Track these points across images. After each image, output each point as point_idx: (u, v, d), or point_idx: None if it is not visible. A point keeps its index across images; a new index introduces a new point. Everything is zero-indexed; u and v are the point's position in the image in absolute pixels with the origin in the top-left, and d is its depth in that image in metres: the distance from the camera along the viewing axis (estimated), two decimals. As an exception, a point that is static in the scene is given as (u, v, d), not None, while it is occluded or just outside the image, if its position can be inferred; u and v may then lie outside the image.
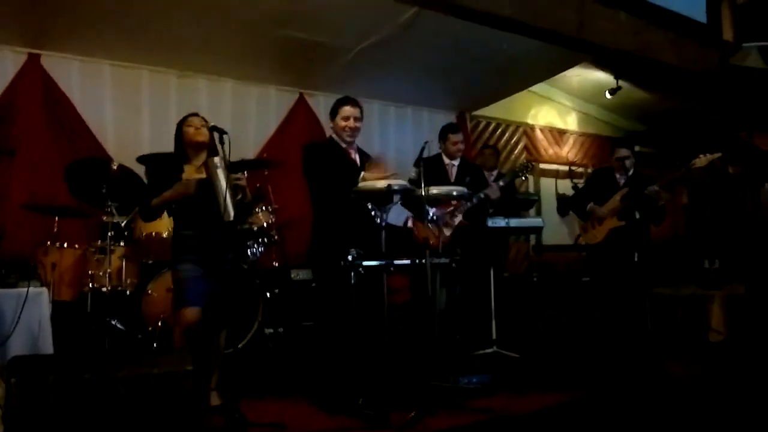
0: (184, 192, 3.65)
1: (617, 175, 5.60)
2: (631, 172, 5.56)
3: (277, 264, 5.42)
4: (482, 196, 5.11)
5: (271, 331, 5.06)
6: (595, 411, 3.89)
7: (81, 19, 5.05)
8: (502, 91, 7.55)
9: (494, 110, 8.10)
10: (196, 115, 3.88)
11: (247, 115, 6.48)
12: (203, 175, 3.67)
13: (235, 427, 3.27)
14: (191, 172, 3.78)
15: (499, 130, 8.42)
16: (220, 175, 3.53)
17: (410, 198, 4.14)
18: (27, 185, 5.22)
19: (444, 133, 5.46)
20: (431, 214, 4.31)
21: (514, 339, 5.44)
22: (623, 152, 5.60)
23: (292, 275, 5.40)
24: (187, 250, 3.73)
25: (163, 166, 3.87)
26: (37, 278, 3.48)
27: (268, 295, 5.04)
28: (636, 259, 5.21)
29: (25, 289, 3.21)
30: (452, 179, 5.32)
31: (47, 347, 3.38)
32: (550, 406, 3.93)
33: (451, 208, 5.03)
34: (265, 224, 5.19)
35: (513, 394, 3.95)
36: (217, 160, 3.55)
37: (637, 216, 5.32)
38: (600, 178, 5.83)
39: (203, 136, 3.76)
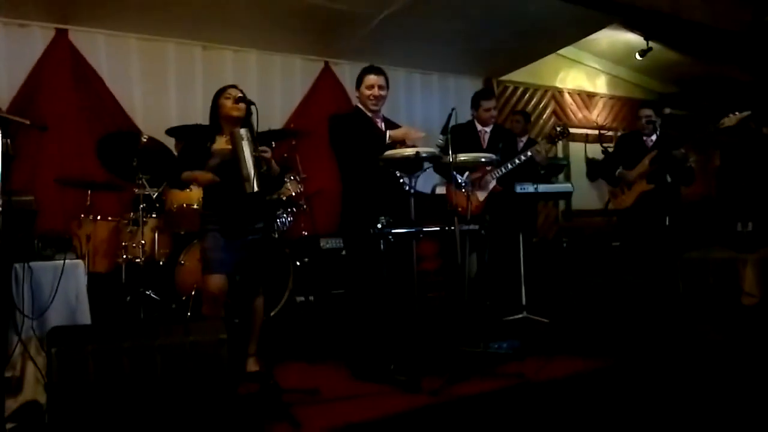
0: (211, 181, 3.76)
1: (645, 138, 5.53)
2: (657, 135, 5.49)
3: (306, 233, 5.46)
4: (523, 158, 5.06)
5: (302, 299, 5.11)
6: (626, 377, 3.89)
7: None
8: (530, 55, 7.43)
9: (522, 75, 7.98)
10: (234, 87, 3.89)
11: (273, 85, 6.47)
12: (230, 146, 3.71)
13: (269, 393, 3.33)
14: (222, 143, 3.81)
15: (527, 95, 8.32)
16: (245, 146, 3.54)
17: (440, 165, 4.14)
18: (58, 160, 5.29)
19: (476, 100, 5.42)
20: (462, 180, 4.30)
21: (543, 304, 5.44)
22: (647, 112, 5.54)
23: (322, 244, 5.43)
24: (213, 219, 3.83)
25: (194, 138, 3.91)
26: (72, 251, 3.54)
27: (298, 263, 5.08)
28: (667, 223, 5.16)
29: (62, 262, 3.27)
30: (484, 146, 5.28)
31: (85, 318, 3.44)
32: (581, 372, 3.94)
33: (484, 173, 4.99)
34: (293, 194, 5.21)
35: (543, 359, 3.95)
36: (243, 131, 3.57)
37: (669, 179, 5.25)
38: (628, 142, 5.76)
39: (240, 111, 3.77)
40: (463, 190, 4.36)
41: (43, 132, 5.06)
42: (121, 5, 5.32)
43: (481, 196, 4.99)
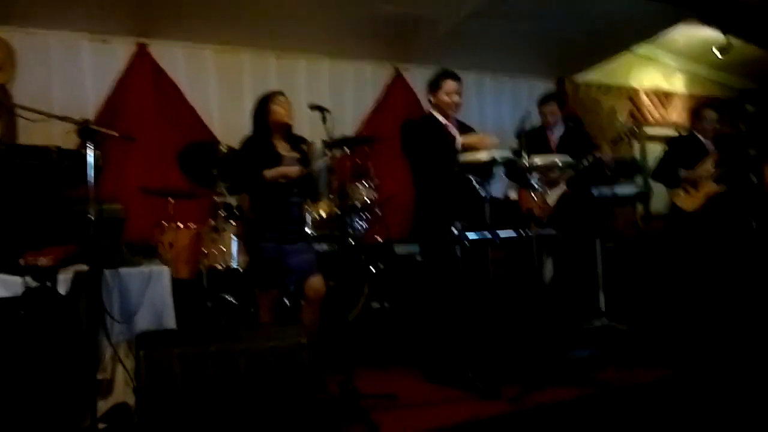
0: (298, 173, 3.79)
1: (702, 139, 5.36)
2: (716, 136, 5.33)
3: (380, 239, 5.48)
4: (590, 160, 4.95)
5: (378, 305, 5.13)
6: (710, 386, 3.75)
7: (185, 7, 5.26)
8: (603, 54, 7.26)
9: (595, 74, 7.80)
10: (282, 93, 3.94)
11: (345, 92, 6.54)
12: (296, 154, 3.76)
13: (348, 397, 3.36)
14: (286, 149, 3.87)
15: (601, 95, 8.12)
16: (320, 159, 3.61)
17: (514, 169, 4.09)
18: (141, 169, 5.48)
19: (538, 106, 5.34)
20: (535, 183, 4.24)
21: (624, 310, 5.30)
22: (712, 114, 5.35)
23: (396, 250, 5.44)
24: (269, 228, 3.88)
25: (255, 142, 3.98)
26: (158, 257, 3.67)
27: (373, 270, 5.10)
28: (754, 227, 4.96)
29: (149, 268, 3.40)
30: (554, 148, 5.19)
31: (170, 323, 3.55)
32: (662, 380, 3.83)
33: (555, 176, 4.90)
34: (367, 200, 5.24)
35: (623, 367, 3.86)
36: (320, 147, 3.64)
37: (755, 180, 5.06)
38: (683, 143, 5.59)
39: (291, 118, 3.83)
40: (534, 193, 4.29)
41: (128, 143, 5.28)
42: (198, 17, 5.48)
43: (552, 198, 4.89)
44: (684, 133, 6.02)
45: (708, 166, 5.23)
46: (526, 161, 3.90)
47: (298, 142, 4.04)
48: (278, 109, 3.86)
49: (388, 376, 4.22)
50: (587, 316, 5.22)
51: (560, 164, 4.26)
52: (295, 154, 3.88)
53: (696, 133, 5.47)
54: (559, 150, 5.13)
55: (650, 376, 3.88)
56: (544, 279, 4.39)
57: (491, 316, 3.81)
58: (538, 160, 4.01)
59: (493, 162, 3.71)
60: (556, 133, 5.26)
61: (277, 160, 3.84)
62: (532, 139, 4.72)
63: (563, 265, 4.95)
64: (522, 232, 3.94)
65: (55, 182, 3.02)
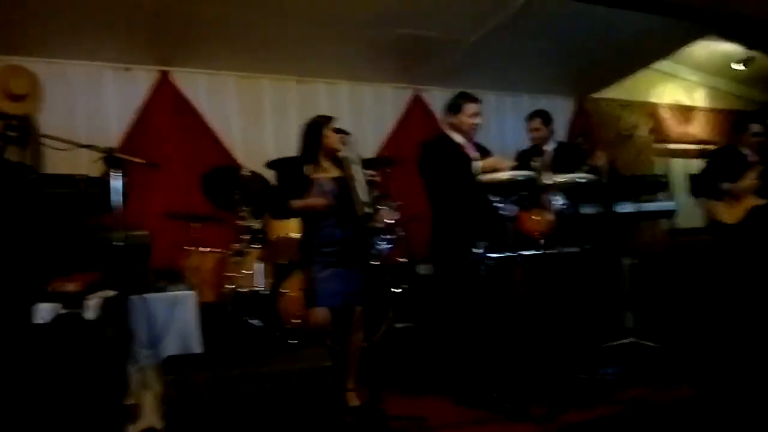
0: (327, 205, 3.80)
1: (745, 152, 5.30)
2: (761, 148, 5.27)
3: (403, 260, 5.47)
4: (585, 170, 4.84)
5: (402, 325, 5.11)
6: (742, 407, 3.67)
7: (206, 35, 5.34)
8: (623, 71, 7.24)
9: (615, 91, 7.78)
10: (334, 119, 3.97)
11: (364, 115, 6.59)
12: (336, 174, 3.77)
13: (376, 419, 3.34)
14: (320, 172, 3.88)
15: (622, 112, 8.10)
16: (357, 170, 3.62)
17: (535, 188, 4.07)
18: (165, 195, 5.53)
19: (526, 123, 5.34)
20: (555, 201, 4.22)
21: (651, 328, 5.22)
22: (757, 128, 5.30)
23: (419, 270, 5.43)
24: (319, 249, 3.85)
25: (295, 169, 3.98)
26: (184, 282, 3.69)
27: (396, 290, 5.09)
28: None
29: (175, 293, 3.42)
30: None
31: (196, 347, 3.58)
32: (693, 399, 3.76)
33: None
34: (389, 221, 5.25)
35: (652, 386, 3.80)
36: (354, 155, 3.65)
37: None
38: (724, 156, 5.53)
39: (341, 145, 3.87)
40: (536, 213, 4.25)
41: (151, 169, 5.34)
42: (219, 46, 5.57)
43: (550, 216, 4.81)
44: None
45: (751, 179, 5.18)
46: (547, 180, 3.88)
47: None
48: (332, 136, 3.87)
49: (415, 397, 4.18)
50: (614, 334, 5.15)
51: (580, 181, 4.23)
52: (335, 172, 3.88)
53: (737, 146, 5.42)
54: (553, 166, 5.08)
55: (679, 394, 3.82)
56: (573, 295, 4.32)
57: (517, 336, 3.77)
58: (560, 178, 3.99)
59: (513, 181, 3.69)
60: (548, 150, 5.23)
61: (307, 185, 3.85)
62: (526, 158, 4.72)
63: (588, 283, 4.90)
64: (545, 251, 3.91)
65: (82, 210, 3.06)
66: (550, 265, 3.96)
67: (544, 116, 5.26)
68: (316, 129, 3.91)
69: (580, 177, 4.22)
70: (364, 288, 3.93)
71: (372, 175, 3.75)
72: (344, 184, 3.68)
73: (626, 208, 5.32)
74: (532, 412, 3.49)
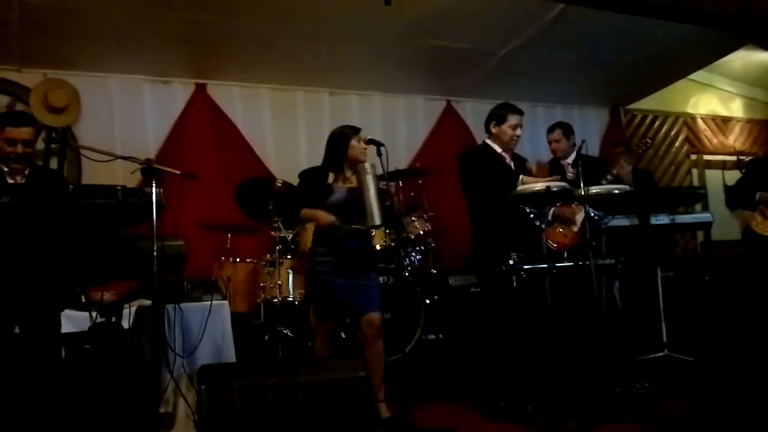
0: (333, 224, 3.74)
1: None
2: None
3: (435, 271, 5.47)
4: (609, 179, 4.72)
5: (433, 337, 5.10)
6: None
7: (241, 49, 5.44)
8: (658, 82, 7.17)
9: (650, 102, 7.71)
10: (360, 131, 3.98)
11: (397, 126, 6.62)
12: (352, 184, 3.79)
13: (406, 430, 3.33)
14: (340, 181, 3.89)
15: (657, 123, 8.01)
16: (370, 180, 3.62)
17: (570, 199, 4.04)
18: (200, 205, 5.61)
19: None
20: (594, 214, 4.18)
21: (686, 342, 5.14)
22: None
23: (450, 281, 5.41)
24: (326, 261, 3.81)
25: (312, 176, 3.99)
26: (218, 292, 3.74)
27: (427, 301, 5.09)
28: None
29: (209, 303, 3.47)
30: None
31: (230, 356, 3.62)
32: (729, 413, 3.69)
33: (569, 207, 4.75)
34: (421, 232, 5.26)
35: (688, 399, 3.73)
36: (367, 166, 3.66)
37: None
38: (761, 167, 5.44)
39: (366, 155, 3.88)
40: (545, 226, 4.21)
41: (187, 180, 5.43)
42: (254, 60, 5.66)
43: (575, 228, 4.74)
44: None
45: None
46: (582, 191, 3.85)
47: None
48: (358, 146, 3.88)
49: (446, 409, 4.15)
50: (648, 347, 5.08)
51: (617, 193, 4.18)
52: (354, 184, 3.89)
53: None
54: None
55: (714, 409, 3.74)
56: (606, 307, 4.26)
57: (550, 348, 3.74)
58: (596, 189, 3.96)
59: (548, 192, 3.67)
60: (569, 162, 5.15)
61: (327, 193, 3.85)
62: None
63: (623, 296, 4.85)
64: (580, 262, 3.87)
65: (119, 220, 3.11)
66: (584, 277, 3.91)
67: (564, 128, 5.19)
68: (342, 139, 3.91)
69: (616, 188, 4.16)
70: (377, 293, 3.87)
71: (386, 185, 3.73)
72: (357, 195, 3.67)
73: (661, 219, 5.25)
74: (566, 426, 3.45)
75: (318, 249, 3.85)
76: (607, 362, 4.06)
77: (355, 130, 3.94)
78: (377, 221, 3.59)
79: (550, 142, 5.18)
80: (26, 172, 3.50)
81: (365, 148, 3.87)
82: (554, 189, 3.69)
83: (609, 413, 3.58)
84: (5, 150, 3.40)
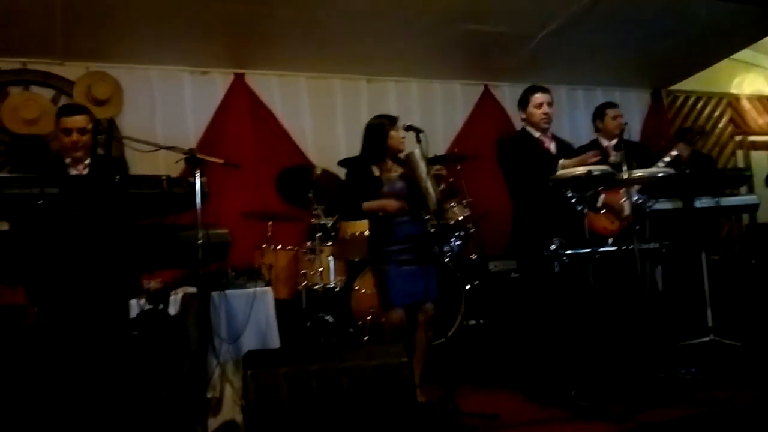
0: (398, 209, 3.77)
1: None
2: None
3: (475, 256, 5.46)
4: (667, 161, 4.66)
5: (473, 322, 5.10)
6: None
7: (279, 38, 5.48)
8: (702, 62, 7.00)
9: (693, 83, 7.53)
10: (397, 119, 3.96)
11: (435, 112, 6.59)
12: (401, 172, 3.79)
13: (450, 416, 3.35)
14: (385, 171, 3.90)
15: (700, 104, 7.84)
16: (422, 166, 3.64)
17: (612, 182, 3.99)
18: (241, 194, 5.66)
19: (602, 110, 5.05)
20: (637, 198, 4.13)
21: (732, 326, 5.05)
22: None
23: (490, 267, 5.40)
24: (393, 250, 3.83)
25: (359, 168, 4.01)
26: (261, 279, 3.79)
27: (468, 287, 5.08)
28: None
29: (253, 290, 3.52)
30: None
31: (274, 342, 3.67)
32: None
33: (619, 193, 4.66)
34: (461, 218, 5.25)
35: (734, 385, 3.68)
36: (417, 152, 3.67)
37: None
38: None
39: (404, 145, 3.88)
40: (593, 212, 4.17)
41: (227, 169, 5.49)
42: (292, 48, 5.69)
43: (623, 214, 4.65)
44: None
45: None
46: (625, 174, 3.80)
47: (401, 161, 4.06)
48: (396, 136, 3.89)
49: (487, 394, 4.16)
50: (693, 332, 5.01)
51: (661, 177, 4.11)
52: (399, 170, 3.90)
53: None
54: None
55: (760, 395, 3.68)
56: (650, 292, 4.21)
57: (593, 333, 3.71)
58: (639, 173, 3.90)
59: (589, 176, 3.63)
60: (612, 144, 5.03)
61: (378, 185, 3.86)
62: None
63: (668, 280, 4.79)
64: (623, 246, 3.83)
65: (165, 209, 3.17)
66: (627, 262, 3.86)
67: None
68: (380, 130, 3.92)
69: (659, 172, 4.09)
70: (435, 284, 3.90)
71: (438, 170, 3.74)
72: (411, 181, 3.69)
73: (706, 202, 5.16)
74: (609, 411, 3.43)
75: (384, 238, 3.88)
76: (650, 347, 4.02)
77: (392, 120, 3.94)
78: (437, 205, 3.66)
79: (612, 118, 4.94)
80: (87, 162, 3.58)
81: (403, 137, 3.88)
82: (596, 173, 3.64)
83: (652, 399, 3.55)
84: (63, 141, 3.50)
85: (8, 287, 3.52)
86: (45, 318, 3.22)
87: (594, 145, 4.92)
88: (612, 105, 5.10)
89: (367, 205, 3.87)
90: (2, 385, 3.13)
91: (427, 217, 3.93)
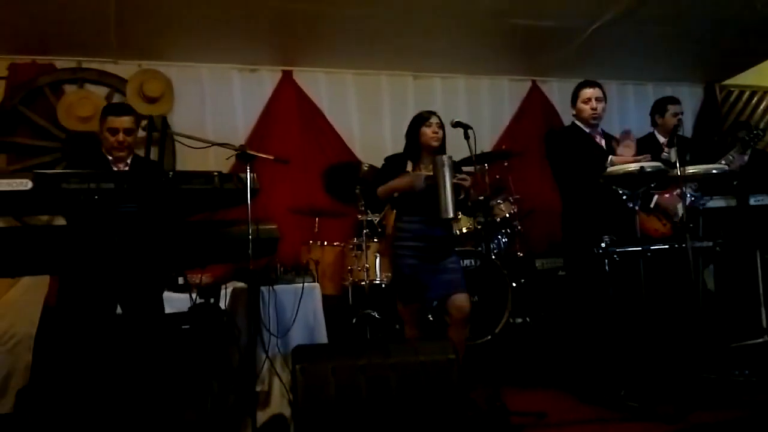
0: (412, 184, 3.72)
1: None
2: None
3: (521, 254, 5.42)
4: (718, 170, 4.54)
5: (520, 320, 5.07)
6: None
7: (326, 35, 5.51)
8: (756, 56, 6.79)
9: (748, 77, 7.30)
10: (434, 114, 3.92)
11: (481, 108, 6.55)
12: (430, 172, 3.78)
13: (497, 414, 3.33)
14: (418, 169, 3.88)
15: (755, 99, 7.61)
16: (446, 173, 3.59)
17: (666, 180, 3.92)
18: (287, 190, 5.73)
19: (662, 105, 4.90)
20: (690, 195, 4.05)
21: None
22: None
23: (537, 265, 5.36)
24: (409, 246, 3.81)
25: (391, 163, 4.00)
26: (309, 274, 3.82)
27: (514, 285, 5.05)
28: None
29: (301, 285, 3.55)
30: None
31: (322, 337, 3.70)
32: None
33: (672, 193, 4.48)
34: (507, 215, 5.22)
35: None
36: (444, 158, 3.63)
37: None
38: None
39: (438, 141, 3.84)
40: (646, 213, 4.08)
41: (275, 165, 5.55)
42: (339, 45, 5.72)
43: (676, 217, 4.55)
44: None
45: None
46: (678, 171, 3.73)
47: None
48: (428, 132, 3.87)
49: (534, 393, 4.13)
50: (747, 333, 4.89)
51: (715, 173, 4.02)
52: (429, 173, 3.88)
53: None
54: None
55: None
56: (702, 291, 4.12)
57: (643, 333, 3.65)
58: (693, 169, 3.82)
59: (641, 173, 3.57)
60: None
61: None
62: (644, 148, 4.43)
63: (721, 279, 4.67)
64: (675, 244, 3.75)
65: (216, 205, 3.21)
66: (680, 260, 3.78)
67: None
68: (414, 127, 3.91)
69: (713, 168, 3.99)
70: (461, 279, 3.81)
71: (462, 179, 3.69)
72: (432, 185, 3.65)
73: (761, 200, 5.02)
74: (659, 412, 3.38)
75: (400, 234, 3.87)
76: (702, 348, 3.94)
77: (424, 117, 3.89)
78: (450, 214, 3.57)
79: (673, 115, 4.79)
80: (128, 161, 3.66)
81: (435, 133, 3.83)
82: (648, 169, 3.58)
83: (703, 400, 3.48)
84: (108, 139, 3.58)
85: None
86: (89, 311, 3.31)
87: (649, 139, 4.83)
88: (674, 101, 4.97)
89: (379, 190, 3.86)
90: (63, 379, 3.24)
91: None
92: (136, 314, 3.45)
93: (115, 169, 3.60)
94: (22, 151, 5.42)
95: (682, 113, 4.85)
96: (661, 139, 4.81)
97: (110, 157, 3.61)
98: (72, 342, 3.30)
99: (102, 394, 3.18)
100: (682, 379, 3.70)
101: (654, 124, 4.91)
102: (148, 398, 3.22)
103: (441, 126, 3.85)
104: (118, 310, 3.45)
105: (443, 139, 3.88)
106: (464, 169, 3.99)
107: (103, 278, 3.19)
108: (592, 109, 4.11)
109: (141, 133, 4.10)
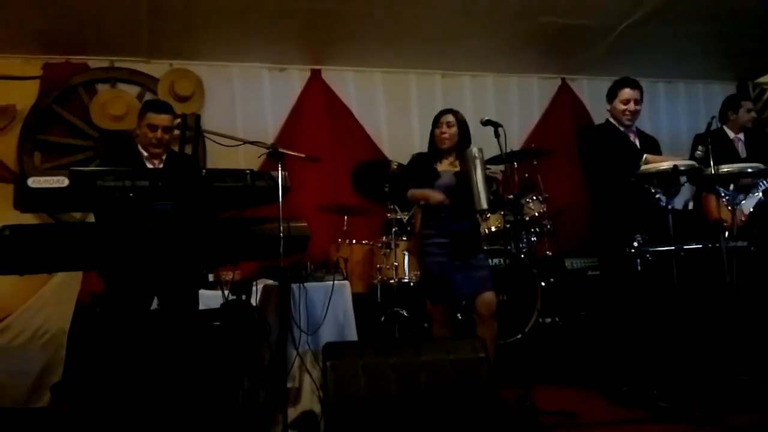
0: (440, 203, 3.71)
1: None
2: None
3: (550, 253, 5.39)
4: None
5: (549, 320, 5.03)
6: None
7: (354, 34, 5.52)
8: (791, 53, 6.71)
9: (784, 75, 7.22)
10: (449, 112, 3.90)
11: (510, 106, 6.52)
12: (456, 168, 3.76)
13: (528, 414, 3.32)
14: (445, 166, 3.88)
15: (789, 97, 7.50)
16: (478, 165, 3.58)
17: (699, 178, 3.87)
18: (316, 188, 5.74)
19: (735, 102, 4.81)
20: (724, 194, 3.99)
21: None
22: None
23: (567, 264, 5.32)
24: (436, 243, 3.79)
25: (418, 160, 4.00)
26: (339, 272, 3.83)
27: (543, 284, 5.02)
28: None
29: (331, 282, 3.57)
30: (743, 155, 4.79)
31: (352, 334, 3.71)
32: None
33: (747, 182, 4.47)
34: (536, 214, 5.20)
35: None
36: (475, 150, 3.62)
37: None
38: None
39: (450, 141, 3.83)
40: (727, 204, 4.03)
41: (305, 163, 5.58)
42: (367, 44, 5.74)
43: (747, 208, 4.49)
44: None
45: None
46: (712, 170, 3.67)
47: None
48: (436, 133, 3.88)
49: (565, 392, 4.10)
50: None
51: (749, 172, 3.95)
52: (457, 168, 3.87)
53: None
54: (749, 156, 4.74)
55: None
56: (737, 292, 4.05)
57: (676, 333, 3.61)
58: (726, 168, 3.76)
59: (675, 171, 3.53)
60: (741, 138, 4.83)
61: (435, 177, 3.84)
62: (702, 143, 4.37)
63: (757, 281, 4.59)
64: (709, 244, 3.69)
65: (248, 202, 3.24)
66: (714, 260, 3.73)
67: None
68: (432, 126, 3.93)
69: (748, 167, 3.92)
70: (489, 277, 3.79)
71: (493, 173, 3.67)
72: (464, 178, 3.64)
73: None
74: (691, 414, 3.34)
75: (427, 231, 3.86)
76: (735, 350, 3.88)
77: (435, 119, 3.92)
78: (484, 205, 3.56)
79: (747, 111, 4.74)
80: (163, 158, 3.71)
81: (443, 133, 3.83)
82: (682, 168, 3.54)
83: (736, 403, 3.44)
84: (147, 135, 3.62)
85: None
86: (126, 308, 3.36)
87: (719, 133, 4.75)
88: (747, 97, 4.95)
89: (410, 193, 3.87)
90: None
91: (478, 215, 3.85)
92: (173, 311, 3.48)
93: (150, 165, 3.64)
94: (56, 149, 5.52)
95: (756, 111, 4.81)
96: (731, 135, 4.75)
97: (145, 153, 3.66)
98: (107, 338, 3.35)
99: (136, 389, 3.22)
100: (714, 381, 3.65)
101: (724, 119, 4.82)
102: (181, 394, 3.26)
103: (456, 123, 3.83)
104: (154, 305, 3.50)
105: (466, 135, 3.86)
106: (493, 167, 3.97)
107: (137, 275, 3.22)
108: (629, 111, 4.07)
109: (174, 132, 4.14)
